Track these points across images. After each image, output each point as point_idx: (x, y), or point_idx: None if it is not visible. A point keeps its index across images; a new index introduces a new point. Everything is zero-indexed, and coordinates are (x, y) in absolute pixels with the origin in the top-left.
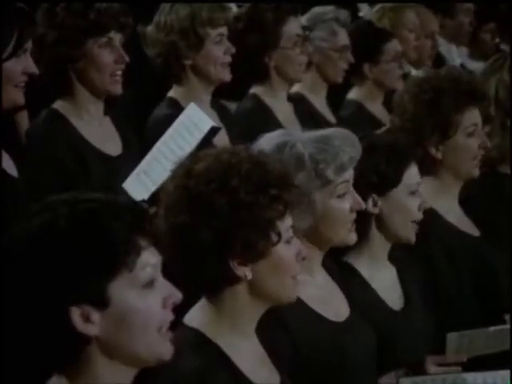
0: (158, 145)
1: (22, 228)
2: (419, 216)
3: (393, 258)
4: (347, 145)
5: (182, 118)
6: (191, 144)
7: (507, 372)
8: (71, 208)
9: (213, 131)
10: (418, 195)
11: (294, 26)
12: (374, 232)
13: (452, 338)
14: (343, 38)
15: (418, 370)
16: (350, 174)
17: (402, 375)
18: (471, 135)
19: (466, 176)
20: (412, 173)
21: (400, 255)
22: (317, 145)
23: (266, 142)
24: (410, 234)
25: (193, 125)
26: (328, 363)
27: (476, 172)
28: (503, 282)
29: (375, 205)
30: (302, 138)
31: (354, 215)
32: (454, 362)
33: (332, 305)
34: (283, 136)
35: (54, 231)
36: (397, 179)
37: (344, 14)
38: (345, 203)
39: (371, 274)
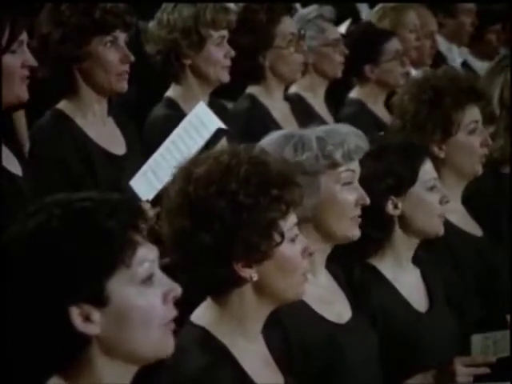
0: (166, 143)
1: (17, 229)
2: (442, 210)
3: (416, 260)
4: (353, 135)
5: (190, 116)
6: (199, 143)
7: None
8: (65, 208)
9: (220, 133)
10: (438, 190)
11: (287, 25)
12: (398, 234)
13: (477, 340)
14: (332, 32)
15: (447, 371)
16: (356, 167)
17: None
18: (472, 133)
19: (469, 174)
20: (427, 168)
21: (423, 257)
22: (325, 132)
23: (274, 135)
24: (436, 227)
25: (201, 124)
26: (324, 363)
27: (479, 169)
28: (506, 282)
29: (396, 207)
30: (309, 130)
31: (358, 211)
32: (482, 363)
33: (334, 306)
34: (290, 131)
35: (48, 232)
36: (413, 177)
37: (327, 10)
38: (350, 194)
39: (395, 276)
